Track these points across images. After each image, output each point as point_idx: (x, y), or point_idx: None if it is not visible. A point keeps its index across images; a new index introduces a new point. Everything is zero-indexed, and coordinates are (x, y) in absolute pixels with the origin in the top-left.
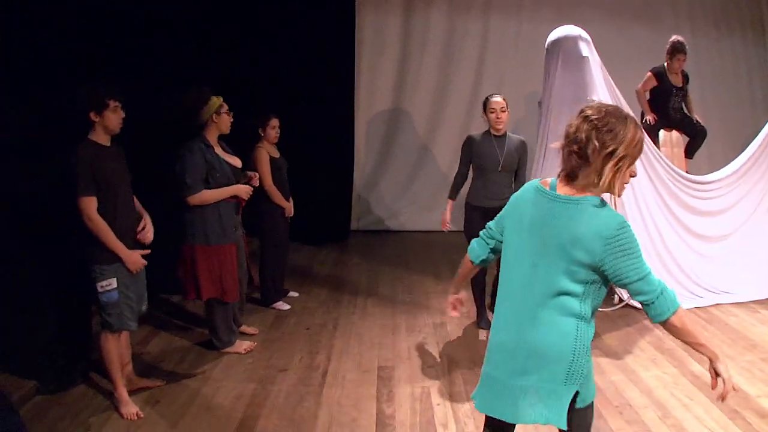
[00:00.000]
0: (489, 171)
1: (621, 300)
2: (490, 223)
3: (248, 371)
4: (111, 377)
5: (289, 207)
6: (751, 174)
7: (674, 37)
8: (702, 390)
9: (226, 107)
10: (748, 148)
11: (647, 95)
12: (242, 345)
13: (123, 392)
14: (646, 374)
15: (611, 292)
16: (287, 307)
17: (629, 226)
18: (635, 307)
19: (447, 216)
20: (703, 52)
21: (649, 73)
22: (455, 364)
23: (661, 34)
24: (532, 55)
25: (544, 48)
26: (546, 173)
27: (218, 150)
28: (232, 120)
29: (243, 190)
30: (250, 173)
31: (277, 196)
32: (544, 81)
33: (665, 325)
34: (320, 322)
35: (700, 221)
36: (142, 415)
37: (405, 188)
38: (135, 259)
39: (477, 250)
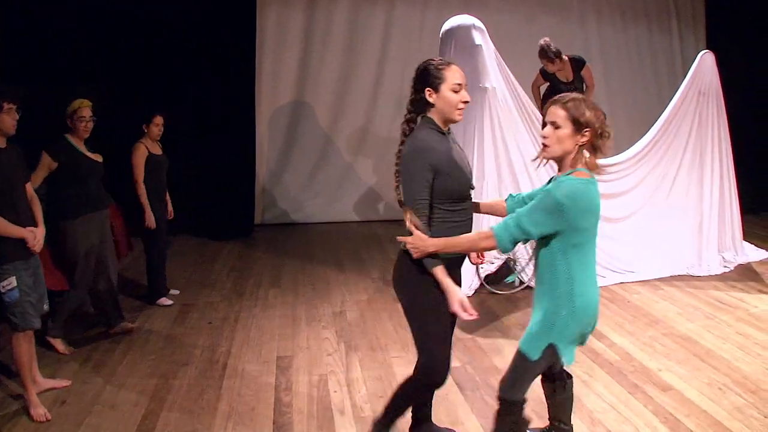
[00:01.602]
0: None
1: (522, 282)
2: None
3: (151, 367)
4: (21, 379)
5: (149, 211)
6: (651, 156)
7: (540, 42)
8: (602, 367)
9: (81, 114)
10: (648, 132)
11: (541, 90)
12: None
13: (32, 394)
14: None
15: (510, 274)
16: (170, 302)
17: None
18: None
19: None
20: (608, 39)
21: (538, 71)
22: (353, 350)
23: (570, 23)
24: (436, 45)
25: (440, 37)
26: None
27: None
28: (91, 126)
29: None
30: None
31: (142, 193)
32: None
33: None
34: (222, 315)
35: (602, 203)
36: (49, 417)
37: (309, 180)
38: (35, 235)
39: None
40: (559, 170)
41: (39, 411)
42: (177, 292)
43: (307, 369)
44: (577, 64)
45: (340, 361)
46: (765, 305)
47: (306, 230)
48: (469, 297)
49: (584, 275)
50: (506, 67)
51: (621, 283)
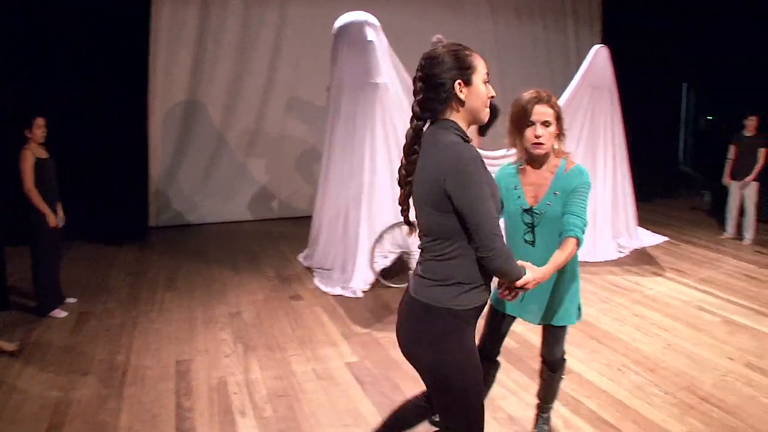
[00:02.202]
0: None
1: None
2: None
3: (51, 379)
4: None
5: (49, 213)
6: None
7: (433, 39)
8: (501, 354)
9: None
10: None
11: None
12: None
13: None
14: None
15: (404, 268)
16: (64, 314)
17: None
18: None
19: None
20: (502, 36)
21: None
22: (251, 351)
23: (463, 20)
24: (327, 42)
25: (332, 34)
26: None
27: None
28: None
29: None
30: None
31: (36, 199)
32: (331, 66)
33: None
34: (119, 322)
35: None
36: None
37: (203, 180)
38: None
39: None
40: (540, 162)
41: None
42: (74, 300)
43: (206, 372)
44: None
45: (239, 362)
46: (660, 287)
47: (201, 231)
48: (365, 292)
49: None
50: (399, 63)
51: None
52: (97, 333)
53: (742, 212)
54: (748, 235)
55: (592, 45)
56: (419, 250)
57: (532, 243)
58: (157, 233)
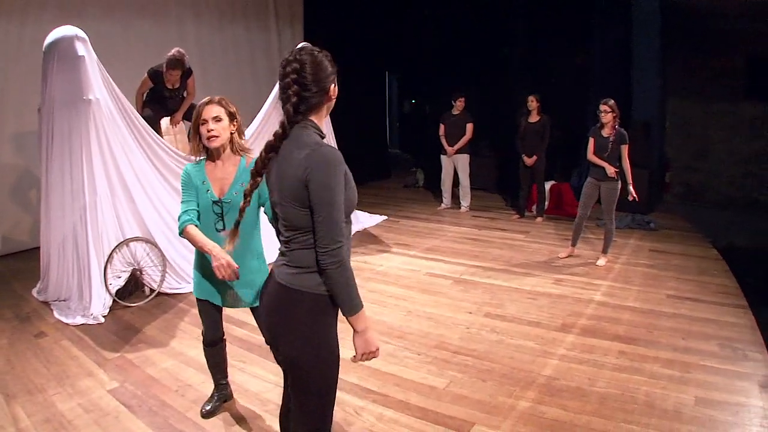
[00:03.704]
0: None
1: (152, 290)
2: None
3: None
4: None
5: None
6: (258, 146)
7: (172, 51)
8: (252, 351)
9: None
10: (252, 123)
11: (144, 96)
12: None
13: None
14: (194, 352)
15: (139, 285)
16: None
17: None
18: (167, 294)
19: None
20: (205, 39)
21: (145, 76)
22: (12, 399)
23: (167, 26)
24: (35, 59)
25: (42, 51)
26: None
27: None
28: None
29: None
30: None
31: None
32: (42, 85)
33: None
34: None
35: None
36: None
37: None
38: None
39: None
40: (221, 159)
41: None
42: None
43: None
44: (185, 72)
45: (4, 413)
46: (389, 262)
47: None
48: (105, 316)
49: None
50: (109, 77)
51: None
52: None
53: (455, 183)
54: (464, 203)
55: (294, 41)
56: (283, 239)
57: (223, 230)
58: None
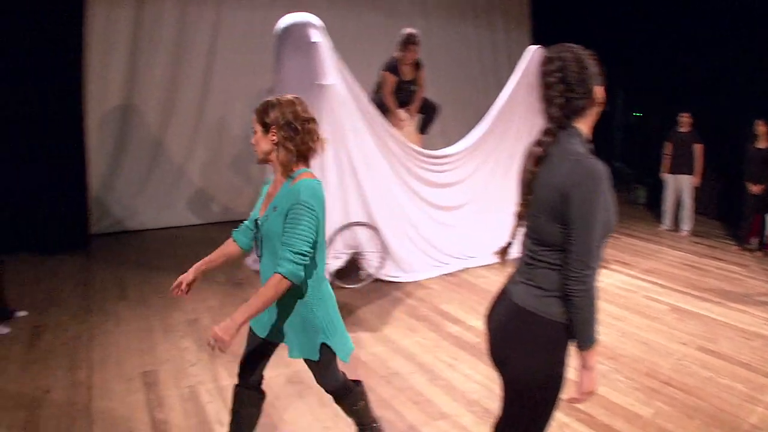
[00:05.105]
0: None
1: (369, 275)
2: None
3: (13, 398)
4: None
5: None
6: (483, 148)
7: (406, 30)
8: (464, 349)
9: None
10: (479, 125)
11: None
12: None
13: None
14: (406, 342)
15: (357, 269)
16: (6, 330)
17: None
18: (384, 281)
19: None
20: (436, 38)
21: (385, 74)
22: (217, 358)
23: (395, 20)
24: (264, 43)
25: (274, 35)
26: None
27: None
28: None
29: None
30: None
31: None
32: (274, 68)
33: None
34: (75, 334)
35: (438, 193)
36: None
37: (142, 186)
38: None
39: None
40: (277, 172)
41: None
42: (24, 313)
43: (175, 382)
44: (417, 64)
45: (206, 370)
46: (608, 279)
47: (142, 237)
48: None
49: (320, 270)
50: (342, 63)
51: (465, 268)
52: (54, 347)
53: (678, 205)
54: (686, 226)
55: (522, 44)
56: (528, 254)
57: (261, 257)
58: (98, 241)
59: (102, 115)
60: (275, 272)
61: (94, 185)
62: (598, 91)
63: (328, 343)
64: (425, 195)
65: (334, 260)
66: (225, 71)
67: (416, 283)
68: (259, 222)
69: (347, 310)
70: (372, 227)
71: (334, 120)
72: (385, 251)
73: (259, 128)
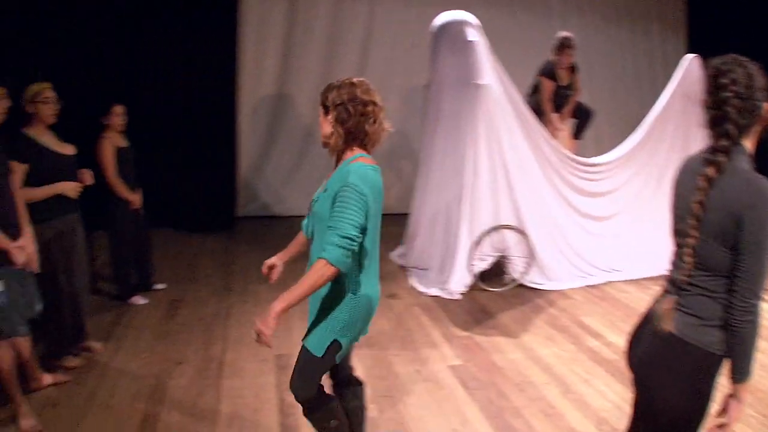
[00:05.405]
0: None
1: (513, 279)
2: None
3: (144, 366)
4: (8, 388)
5: (135, 199)
6: (637, 158)
7: (562, 34)
8: (600, 365)
9: (45, 95)
10: (634, 134)
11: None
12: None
13: (20, 404)
14: (544, 351)
15: (502, 272)
16: (144, 301)
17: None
18: (527, 287)
19: None
20: (591, 42)
21: (543, 78)
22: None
23: (550, 21)
24: (418, 39)
25: (430, 32)
26: (435, 161)
27: (47, 140)
28: (57, 108)
29: (69, 188)
30: (82, 171)
31: (121, 188)
32: (431, 64)
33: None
34: (213, 311)
35: (588, 202)
36: (41, 428)
37: (291, 173)
38: (24, 249)
39: None
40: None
41: (28, 423)
42: (163, 286)
43: None
44: (573, 68)
45: None
46: None
47: (287, 223)
48: (462, 294)
49: (368, 265)
50: (499, 64)
51: (609, 281)
52: (191, 322)
53: None
54: None
55: (678, 51)
56: (683, 278)
57: (312, 240)
58: (244, 223)
59: (254, 104)
60: (319, 257)
61: (243, 170)
62: (766, 107)
63: (341, 341)
64: (576, 203)
65: (480, 262)
66: (379, 66)
67: (559, 292)
68: (313, 198)
69: (487, 314)
70: (521, 231)
71: (489, 120)
72: (531, 257)
73: (321, 110)
